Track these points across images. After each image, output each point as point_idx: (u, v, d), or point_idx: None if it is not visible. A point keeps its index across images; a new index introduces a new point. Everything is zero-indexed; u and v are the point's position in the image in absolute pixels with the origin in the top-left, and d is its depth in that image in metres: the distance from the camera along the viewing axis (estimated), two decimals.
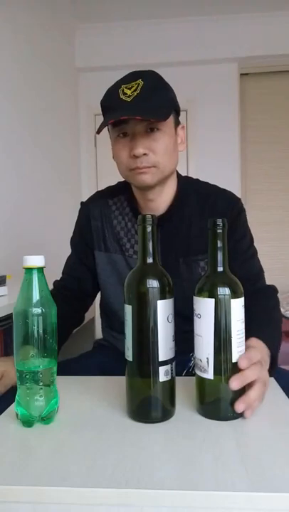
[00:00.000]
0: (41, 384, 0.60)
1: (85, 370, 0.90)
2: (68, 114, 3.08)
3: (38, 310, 0.59)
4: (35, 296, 0.60)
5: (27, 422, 0.60)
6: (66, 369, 0.80)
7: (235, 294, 0.61)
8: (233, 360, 0.61)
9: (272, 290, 0.98)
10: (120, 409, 0.64)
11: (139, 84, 0.84)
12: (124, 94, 0.84)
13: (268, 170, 3.30)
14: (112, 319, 1.06)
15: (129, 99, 0.83)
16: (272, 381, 0.75)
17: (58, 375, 0.63)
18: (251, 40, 3.11)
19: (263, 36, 3.11)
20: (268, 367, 0.71)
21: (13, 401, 0.63)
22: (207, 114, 3.21)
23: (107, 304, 1.05)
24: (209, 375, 0.61)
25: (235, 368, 0.61)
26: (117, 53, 3.18)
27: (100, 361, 0.97)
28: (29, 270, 0.60)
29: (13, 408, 0.64)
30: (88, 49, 3.23)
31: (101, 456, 0.51)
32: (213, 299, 0.61)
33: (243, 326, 0.63)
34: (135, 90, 0.83)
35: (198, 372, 0.63)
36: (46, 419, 0.60)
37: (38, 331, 0.59)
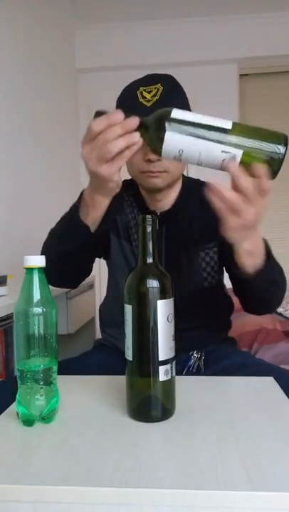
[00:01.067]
0: (42, 383, 0.60)
1: (86, 369, 0.90)
2: (68, 114, 3.08)
3: (38, 310, 0.60)
4: (36, 295, 0.60)
5: (27, 421, 0.60)
6: (66, 368, 0.80)
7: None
8: None
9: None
10: (120, 408, 0.64)
11: (158, 89, 0.87)
12: (144, 97, 0.87)
13: None
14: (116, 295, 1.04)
15: (148, 104, 0.86)
16: (272, 381, 0.75)
17: (58, 374, 0.63)
18: (251, 41, 3.12)
19: (262, 37, 3.11)
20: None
21: (13, 401, 0.63)
22: (207, 114, 3.21)
23: (115, 281, 1.05)
24: None
25: None
26: (117, 54, 3.18)
27: (101, 360, 0.98)
28: (30, 270, 0.61)
29: (13, 408, 0.64)
30: (88, 49, 3.23)
31: (101, 455, 0.51)
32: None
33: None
34: (154, 95, 0.86)
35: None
36: (47, 418, 0.60)
37: (38, 330, 0.60)
